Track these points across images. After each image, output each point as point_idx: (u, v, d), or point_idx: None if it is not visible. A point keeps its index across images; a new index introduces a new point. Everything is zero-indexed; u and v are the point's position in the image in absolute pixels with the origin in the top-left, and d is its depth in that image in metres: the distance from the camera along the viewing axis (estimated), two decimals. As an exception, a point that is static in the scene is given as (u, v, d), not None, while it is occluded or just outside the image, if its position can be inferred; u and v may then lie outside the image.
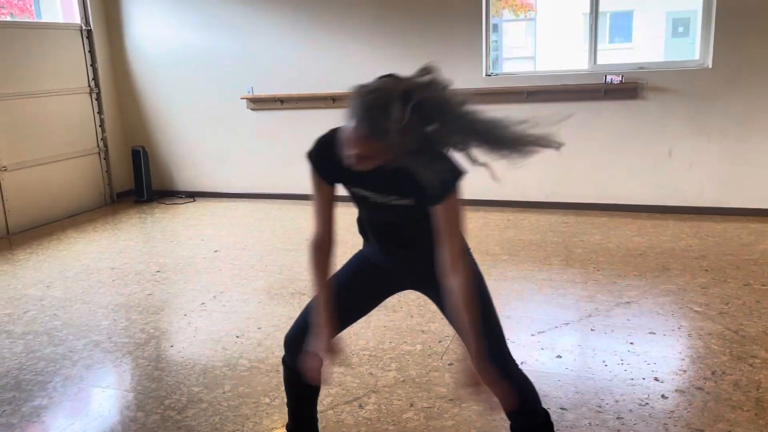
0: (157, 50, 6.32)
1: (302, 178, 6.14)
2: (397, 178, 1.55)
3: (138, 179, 6.34)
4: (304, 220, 5.34)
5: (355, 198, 1.75)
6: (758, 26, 4.56)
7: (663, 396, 2.32)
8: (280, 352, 2.76)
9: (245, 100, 6.12)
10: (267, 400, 2.43)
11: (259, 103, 6.10)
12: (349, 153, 1.49)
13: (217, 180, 6.45)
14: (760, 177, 4.77)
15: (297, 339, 1.82)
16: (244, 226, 5.24)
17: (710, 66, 4.73)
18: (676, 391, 2.35)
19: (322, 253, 1.81)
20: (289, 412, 2.00)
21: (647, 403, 2.27)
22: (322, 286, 1.77)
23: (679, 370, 2.52)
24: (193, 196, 6.48)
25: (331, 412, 2.31)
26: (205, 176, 6.48)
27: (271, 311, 3.30)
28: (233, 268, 4.06)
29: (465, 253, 1.66)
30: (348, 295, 1.85)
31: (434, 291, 1.77)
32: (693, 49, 4.88)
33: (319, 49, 5.79)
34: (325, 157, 1.67)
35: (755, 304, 3.12)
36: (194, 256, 4.39)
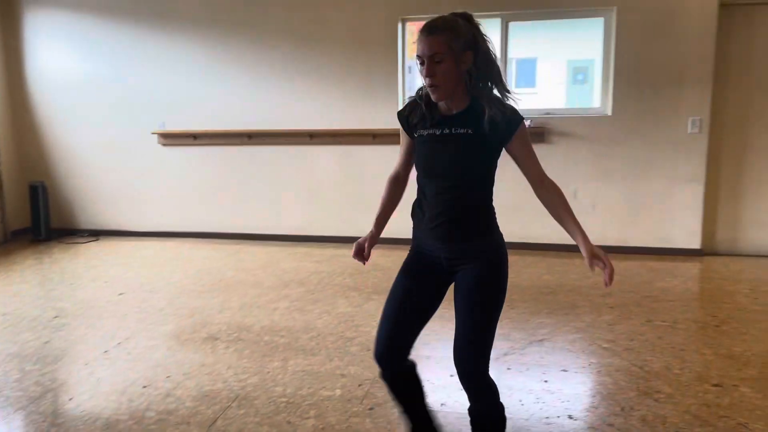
0: (61, 81, 6.03)
1: (216, 216, 6.02)
2: (462, 117, 1.85)
3: (35, 216, 5.95)
4: (217, 260, 5.17)
5: (420, 149, 1.95)
6: (652, 78, 4.93)
7: (577, 434, 2.37)
8: (190, 403, 2.62)
9: (156, 135, 5.92)
10: (176, 455, 2.28)
11: (171, 138, 5.92)
12: (423, 54, 1.80)
13: (124, 218, 6.15)
14: (656, 217, 5.10)
15: (387, 350, 2.00)
16: (152, 266, 5.00)
17: (610, 113, 5.06)
18: (589, 428, 2.41)
19: (394, 185, 2.17)
20: (406, 419, 2.12)
21: (563, 442, 2.31)
22: (383, 204, 2.18)
23: (591, 407, 2.60)
24: (97, 234, 6.14)
25: (246, 465, 2.20)
26: (111, 214, 6.17)
27: (181, 358, 3.13)
28: (140, 312, 3.84)
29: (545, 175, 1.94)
30: (406, 302, 2.03)
31: (464, 273, 1.95)
32: (591, 95, 5.20)
33: (235, 85, 5.72)
34: (408, 113, 1.97)
35: (657, 340, 3.29)
36: (97, 299, 4.12)
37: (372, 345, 3.22)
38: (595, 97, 5.21)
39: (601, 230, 5.09)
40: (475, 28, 1.85)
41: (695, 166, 4.96)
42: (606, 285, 1.85)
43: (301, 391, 2.74)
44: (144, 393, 2.76)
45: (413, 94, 1.99)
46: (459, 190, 1.90)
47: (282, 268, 4.87)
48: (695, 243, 5.05)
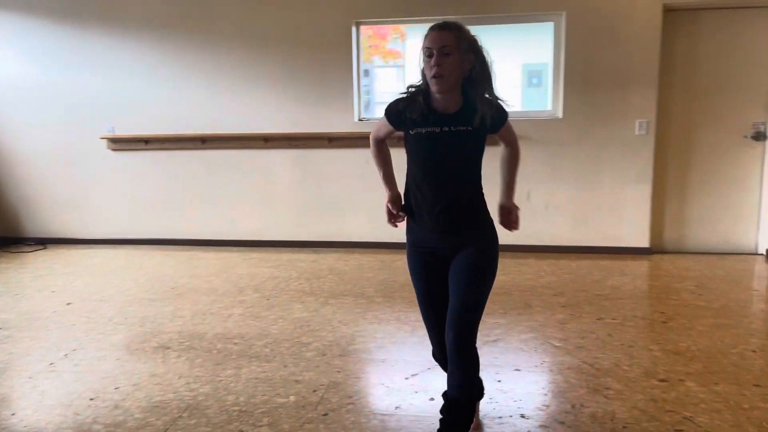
0: (4, 85, 5.82)
1: (169, 222, 5.90)
2: (461, 115, 2.05)
3: (-22, 225, 5.72)
4: (169, 267, 5.06)
5: (418, 144, 2.11)
6: (601, 81, 5.06)
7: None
8: (140, 414, 2.56)
9: (105, 140, 5.77)
10: (124, 469, 2.22)
11: (121, 143, 5.78)
12: (433, 47, 1.99)
13: (73, 225, 5.98)
14: (606, 217, 5.23)
15: (442, 346, 2.22)
16: (102, 275, 4.87)
17: (561, 116, 5.16)
18: (540, 426, 2.45)
19: (382, 144, 2.32)
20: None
21: (515, 441, 2.34)
22: (385, 163, 2.33)
23: (543, 405, 2.63)
24: (44, 242, 5.95)
25: (196, 477, 2.15)
26: (59, 221, 5.99)
27: (131, 368, 3.05)
28: (88, 323, 3.73)
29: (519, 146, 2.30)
30: (442, 306, 2.19)
31: (462, 252, 2.15)
32: (546, 98, 5.30)
33: (187, 89, 5.62)
34: (403, 111, 2.11)
35: (607, 337, 3.37)
36: (43, 310, 3.99)
37: (327, 350, 3.21)
38: (548, 100, 5.31)
39: (553, 231, 5.19)
40: (475, 36, 2.07)
41: (643, 166, 5.10)
42: (510, 230, 2.30)
43: (254, 398, 2.71)
44: (91, 405, 2.68)
45: (407, 90, 2.14)
46: (461, 183, 2.13)
47: (237, 274, 4.80)
48: (644, 242, 5.19)
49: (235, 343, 3.35)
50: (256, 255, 5.43)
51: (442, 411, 2.18)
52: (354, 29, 5.37)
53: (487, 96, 2.08)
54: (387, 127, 2.21)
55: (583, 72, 5.08)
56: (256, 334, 3.48)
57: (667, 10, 4.95)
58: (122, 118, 5.73)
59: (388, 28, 8.01)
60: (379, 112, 8.95)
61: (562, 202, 5.25)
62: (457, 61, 2.00)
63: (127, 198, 5.89)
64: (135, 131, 5.72)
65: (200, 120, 5.64)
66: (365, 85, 5.93)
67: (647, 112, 5.03)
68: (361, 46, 5.53)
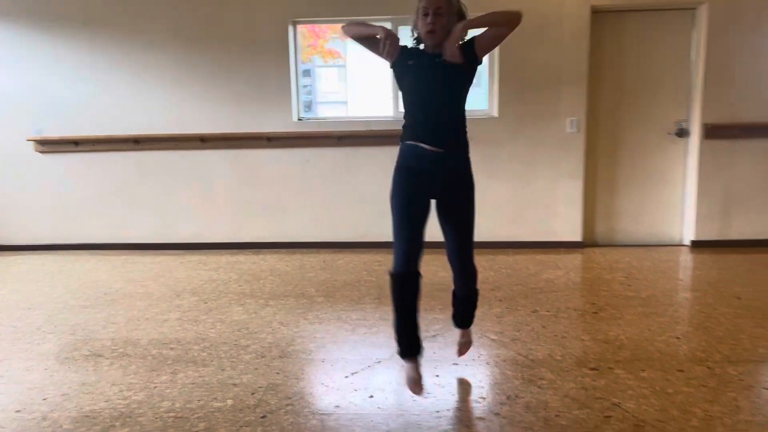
0: None
1: (102, 226, 5.71)
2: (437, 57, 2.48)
3: None
4: (103, 272, 4.91)
5: (410, 75, 2.53)
6: (534, 80, 5.20)
7: (466, 425, 2.45)
8: (69, 425, 2.47)
9: (33, 142, 5.54)
10: (52, 482, 2.14)
11: (49, 145, 5.56)
12: (429, 7, 2.42)
13: (-2, 231, 5.70)
14: (541, 213, 5.38)
15: (407, 261, 2.53)
16: (30, 282, 4.67)
17: (496, 115, 5.27)
18: (476, 418, 2.50)
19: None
20: (397, 332, 2.61)
21: (452, 434, 2.38)
22: (363, 24, 2.60)
23: (480, 397, 2.69)
24: (-33, 250, 5.65)
25: (129, 486, 2.10)
26: (-17, 227, 5.70)
27: (60, 378, 2.94)
28: (15, 332, 3.58)
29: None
30: (415, 222, 2.55)
31: (451, 195, 2.60)
32: (484, 98, 5.40)
33: (119, 88, 5.46)
34: (404, 56, 2.55)
35: (542, 329, 3.47)
36: (-35, 320, 3.79)
37: (266, 352, 3.19)
38: (485, 99, 5.41)
39: (491, 227, 5.30)
40: (462, 3, 2.52)
41: (574, 163, 5.28)
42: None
43: (190, 404, 2.66)
44: (17, 418, 2.57)
45: (409, 41, 2.62)
46: (450, 106, 2.53)
47: (174, 278, 4.70)
48: (577, 235, 5.37)
49: (171, 349, 3.28)
50: (194, 258, 5.32)
51: (454, 304, 2.93)
52: (291, 28, 5.34)
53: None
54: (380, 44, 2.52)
55: (517, 72, 5.21)
56: (193, 339, 3.42)
57: (595, 12, 5.14)
58: (51, 120, 5.52)
59: (326, 27, 7.99)
60: (322, 112, 8.93)
61: (498, 200, 5.37)
62: (447, 21, 2.44)
63: (57, 202, 5.67)
64: (64, 133, 5.52)
65: (133, 120, 5.49)
66: (307, 85, 5.90)
67: (578, 111, 5.20)
68: (299, 45, 5.50)
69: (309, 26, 6.87)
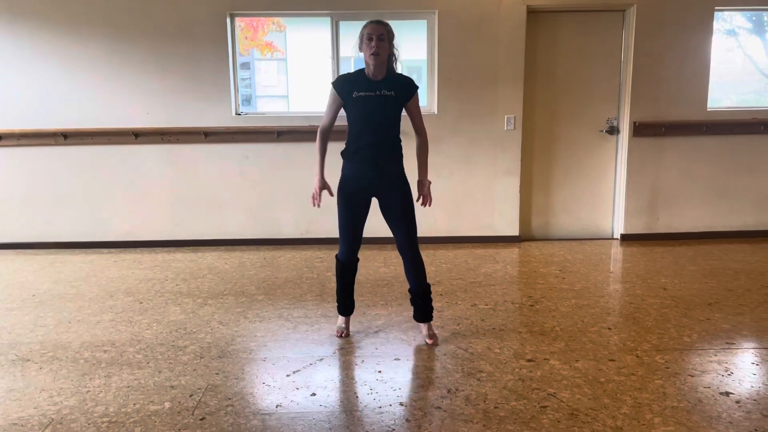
0: None
1: (28, 225, 5.45)
2: (386, 84, 2.99)
3: None
4: (30, 272, 4.69)
5: (357, 105, 3.00)
6: (472, 78, 5.29)
7: (407, 419, 2.48)
8: (-6, 436, 2.35)
9: (-51, 136, 5.22)
10: (-24, 496, 2.03)
11: (-32, 139, 5.25)
12: (373, 34, 2.91)
13: None
14: (480, 208, 5.49)
15: (351, 253, 3.21)
16: (-51, 284, 4.41)
17: (436, 112, 5.33)
18: (418, 411, 2.53)
19: (326, 136, 3.16)
20: (339, 298, 3.36)
21: (394, 429, 2.40)
22: (323, 153, 3.14)
23: (421, 392, 2.73)
24: None
25: (60, 496, 2.01)
26: None
27: (-16, 386, 2.79)
28: (-67, 338, 3.37)
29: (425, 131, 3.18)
30: (357, 226, 3.17)
31: (390, 196, 3.09)
32: (424, 95, 5.44)
33: (46, 79, 5.22)
34: (345, 82, 3.02)
35: (480, 322, 3.54)
36: None
37: (205, 352, 3.13)
38: (425, 96, 5.46)
39: (432, 222, 5.36)
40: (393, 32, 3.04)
41: (512, 160, 5.40)
42: (424, 205, 3.21)
43: (125, 408, 2.58)
44: (-64, 430, 2.42)
45: (346, 72, 3.15)
46: (388, 130, 3.04)
47: (107, 278, 4.53)
48: (514, 230, 5.51)
49: (105, 351, 3.17)
50: (128, 257, 5.15)
51: (412, 301, 3.28)
52: (228, 20, 5.22)
53: (399, 73, 3.10)
54: (336, 100, 3.04)
55: (455, 69, 5.28)
56: (127, 340, 3.31)
57: (531, 12, 5.26)
58: (-31, 112, 5.22)
59: (265, 20, 7.86)
60: (262, 107, 8.77)
61: (439, 195, 5.41)
62: (387, 46, 2.93)
63: (-22, 199, 5.37)
64: (-15, 126, 5.23)
65: (62, 114, 5.25)
66: (245, 79, 5.78)
67: (514, 108, 5.32)
68: (237, 38, 5.40)
69: (247, 19, 6.75)
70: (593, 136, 5.56)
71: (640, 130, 5.40)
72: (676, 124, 5.41)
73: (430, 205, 3.23)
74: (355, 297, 3.52)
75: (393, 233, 3.16)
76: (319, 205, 3.14)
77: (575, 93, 5.47)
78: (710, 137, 5.48)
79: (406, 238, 3.11)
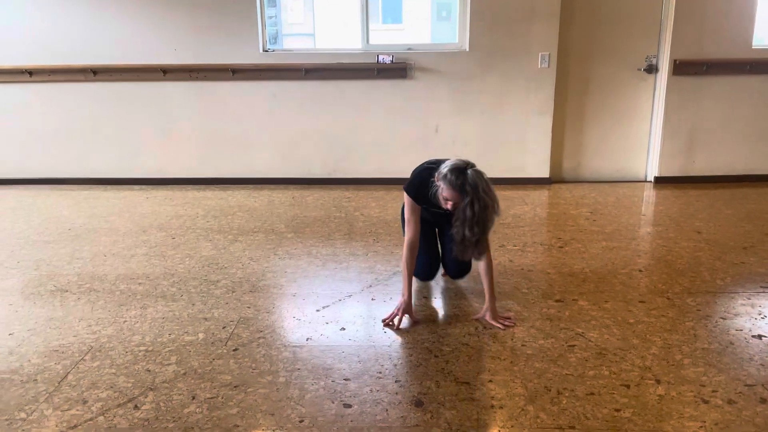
0: None
1: (61, 160, 5.53)
2: (449, 213, 2.74)
3: None
4: (65, 207, 4.79)
5: (428, 213, 2.90)
6: (506, 14, 5.09)
7: (435, 355, 2.51)
8: (37, 359, 2.45)
9: (-18, 71, 5.26)
10: (23, 415, 2.13)
11: (0, 75, 5.28)
12: (448, 199, 2.65)
13: (-49, 165, 5.48)
14: (511, 149, 5.39)
15: (429, 269, 3.16)
16: (-11, 218, 4.53)
17: (467, 49, 5.18)
18: (445, 347, 2.56)
19: (413, 253, 2.82)
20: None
21: (421, 364, 2.44)
22: (410, 271, 2.81)
23: (449, 328, 2.75)
24: None
25: (101, 418, 2.11)
26: (-66, 161, 5.47)
27: (26, 313, 2.90)
28: (-24, 268, 3.49)
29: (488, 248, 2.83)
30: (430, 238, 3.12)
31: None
32: (455, 32, 5.28)
33: (75, 16, 5.18)
34: (420, 192, 2.77)
35: (509, 263, 3.53)
36: None
37: (237, 287, 3.18)
38: (456, 33, 5.29)
39: (461, 163, 5.29)
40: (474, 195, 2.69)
41: (544, 99, 5.26)
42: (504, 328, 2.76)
43: (161, 338, 2.66)
44: (-17, 354, 2.54)
45: (430, 186, 2.72)
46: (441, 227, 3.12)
47: (139, 213, 4.61)
48: (545, 172, 5.42)
49: (140, 284, 3.25)
50: (159, 193, 5.22)
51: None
52: (255, -47, 5.08)
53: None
54: (416, 208, 2.82)
55: (488, 5, 5.08)
56: (161, 274, 3.39)
57: (570, -57, 5.01)
58: (1, 48, 5.22)
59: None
60: (288, 44, 8.62)
61: (469, 135, 5.35)
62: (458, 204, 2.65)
63: (12, 135, 5.45)
64: (17, 62, 5.24)
65: (91, 50, 5.23)
66: (272, 17, 5.66)
67: (549, 45, 5.14)
68: (264, -29, 5.25)
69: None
70: (630, 75, 5.36)
71: (680, 68, 5.18)
72: (718, 63, 5.18)
73: (511, 324, 2.79)
74: (381, 238, 3.48)
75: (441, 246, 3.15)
76: (397, 327, 2.75)
77: (613, 29, 5.25)
78: (754, 77, 5.24)
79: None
